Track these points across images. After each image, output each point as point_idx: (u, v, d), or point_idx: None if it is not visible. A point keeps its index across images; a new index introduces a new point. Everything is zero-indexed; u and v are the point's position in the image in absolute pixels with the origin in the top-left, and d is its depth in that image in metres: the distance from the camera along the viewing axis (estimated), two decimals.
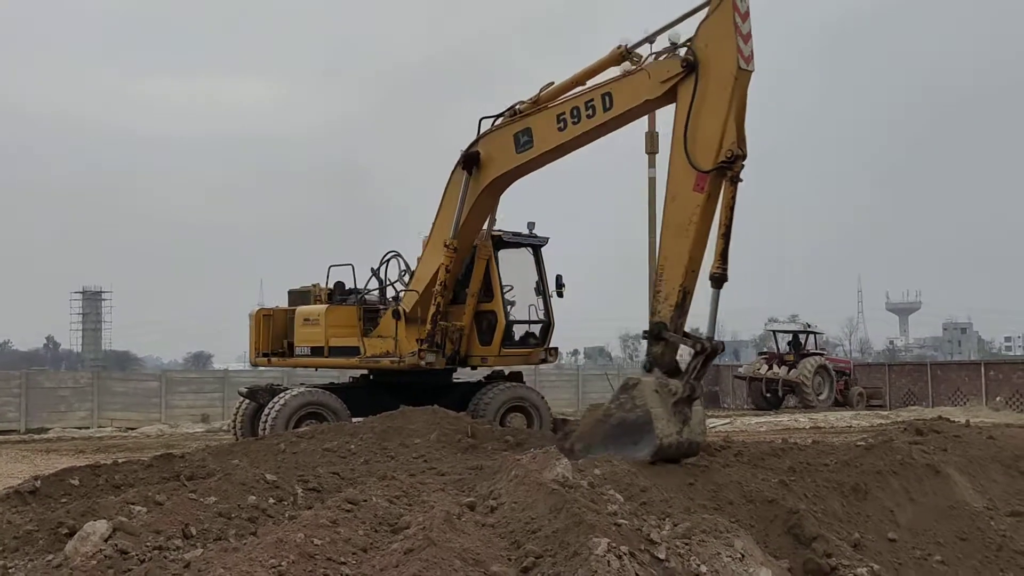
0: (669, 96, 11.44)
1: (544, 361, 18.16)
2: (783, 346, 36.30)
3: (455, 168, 15.40)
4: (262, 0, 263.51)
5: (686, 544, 5.53)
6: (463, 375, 18.39)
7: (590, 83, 13.59)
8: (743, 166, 9.77)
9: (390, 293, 17.50)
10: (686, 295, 9.78)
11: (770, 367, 35.05)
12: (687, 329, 9.82)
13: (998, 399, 29.64)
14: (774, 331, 37.65)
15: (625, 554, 4.63)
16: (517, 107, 14.64)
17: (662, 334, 9.61)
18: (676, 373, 9.37)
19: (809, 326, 36.66)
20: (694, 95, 10.46)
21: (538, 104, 14.28)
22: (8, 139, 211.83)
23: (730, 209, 9.64)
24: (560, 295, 17.87)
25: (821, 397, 33.18)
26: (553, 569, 4.68)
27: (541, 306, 17.71)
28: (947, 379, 33.19)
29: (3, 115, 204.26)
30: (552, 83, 14.23)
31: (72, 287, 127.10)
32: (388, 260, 17.33)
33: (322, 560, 4.95)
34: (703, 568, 5.33)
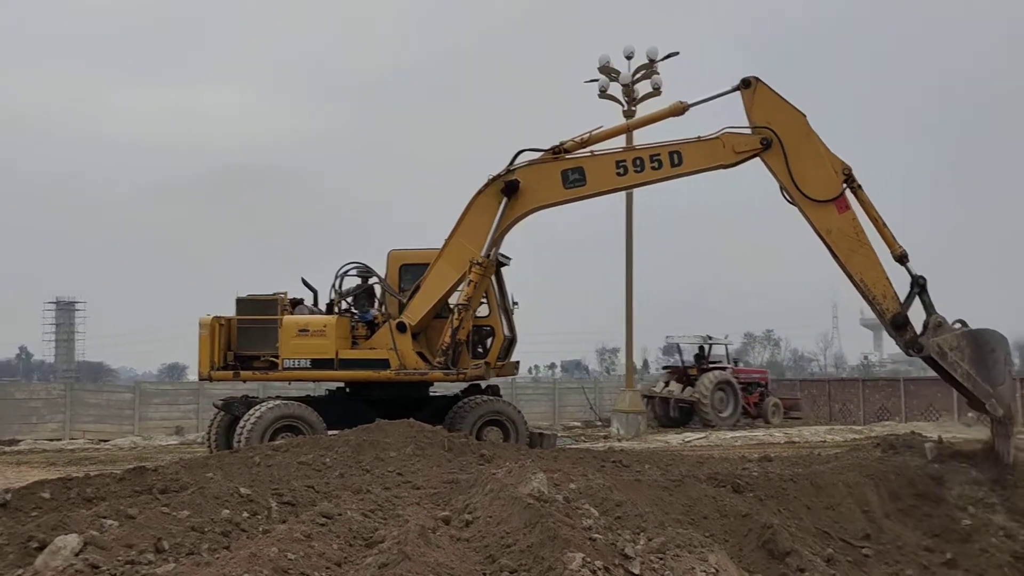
0: (736, 163, 14.09)
1: (510, 374, 19.22)
2: (690, 360, 33.56)
3: (483, 190, 16.12)
4: (221, 11, 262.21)
5: (660, 559, 5.55)
6: (439, 388, 18.36)
7: (639, 133, 15.98)
8: (851, 170, 12.96)
9: (343, 306, 17.52)
10: (890, 283, 12.35)
11: (667, 384, 32.45)
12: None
13: (970, 415, 29.84)
14: (677, 344, 34.55)
15: (599, 569, 4.64)
16: (562, 145, 15.81)
17: (903, 321, 12.05)
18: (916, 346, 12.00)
19: (711, 338, 33.86)
20: (785, 155, 13.47)
21: (585, 144, 15.64)
22: None
23: (871, 205, 12.81)
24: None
25: (723, 415, 30.36)
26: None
27: (505, 322, 17.81)
28: (920, 395, 33.41)
29: None
30: (601, 127, 15.70)
31: (45, 297, 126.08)
32: (344, 274, 17.34)
33: (296, 574, 4.92)
34: None
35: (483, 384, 17.91)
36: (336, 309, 17.38)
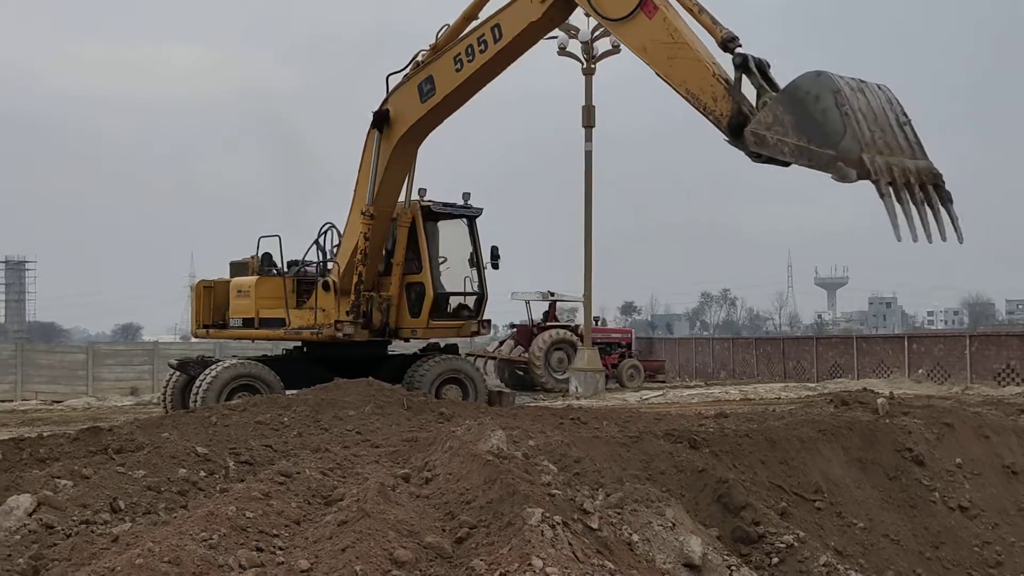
0: (551, 17, 12.48)
1: (476, 334, 18.12)
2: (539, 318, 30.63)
3: (369, 131, 15.23)
4: None
5: (618, 514, 5.61)
6: (398, 347, 18.34)
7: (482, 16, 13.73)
8: None
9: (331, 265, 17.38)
10: (720, 80, 9.87)
11: (500, 344, 30.40)
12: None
13: (920, 371, 30.50)
14: (527, 302, 30.97)
15: (559, 524, 4.67)
16: (419, 58, 14.50)
17: (738, 123, 9.44)
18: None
19: (553, 294, 30.69)
20: None
21: (437, 50, 14.21)
22: None
23: None
24: (495, 267, 17.81)
25: (560, 376, 27.73)
26: (487, 539, 4.71)
27: (475, 278, 17.67)
28: (872, 352, 34.00)
29: None
30: (447, 25, 14.21)
31: None
32: (325, 232, 17.18)
33: (254, 533, 4.90)
34: (635, 537, 5.42)
35: (441, 343, 17.91)
36: (298, 269, 17.38)
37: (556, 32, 27.66)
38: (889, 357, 32.71)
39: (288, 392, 14.22)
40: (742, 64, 9.34)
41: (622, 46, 26.85)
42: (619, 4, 10.85)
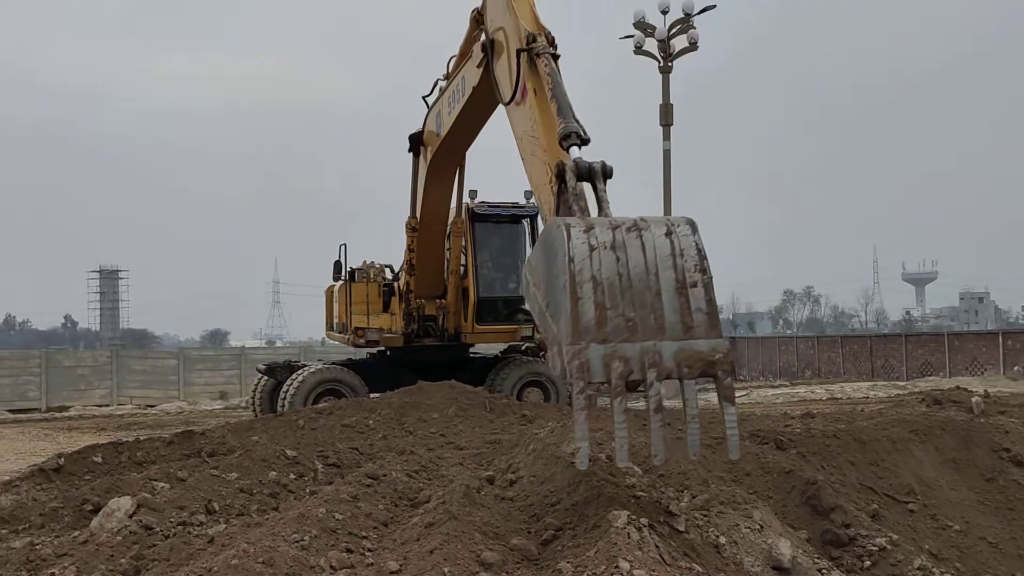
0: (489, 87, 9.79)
1: (528, 339, 17.19)
2: None
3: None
4: None
5: (704, 516, 5.56)
6: (480, 350, 18.47)
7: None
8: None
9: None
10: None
11: None
12: None
13: (1016, 368, 29.49)
14: None
15: (645, 526, 4.65)
16: (440, 83, 13.61)
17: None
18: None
19: None
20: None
21: (448, 78, 13.08)
22: (23, 112, 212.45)
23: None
24: None
25: None
26: (573, 541, 4.71)
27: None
28: (964, 349, 33.00)
29: (18, 86, 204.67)
30: (455, 55, 12.69)
31: (89, 266, 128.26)
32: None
33: (344, 534, 5.00)
34: (722, 539, 5.36)
35: (523, 346, 17.93)
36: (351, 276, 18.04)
37: (633, 32, 27.58)
38: (983, 354, 31.72)
39: (372, 395, 14.44)
40: (559, 175, 6.73)
41: (697, 44, 26.83)
42: (507, 87, 8.89)
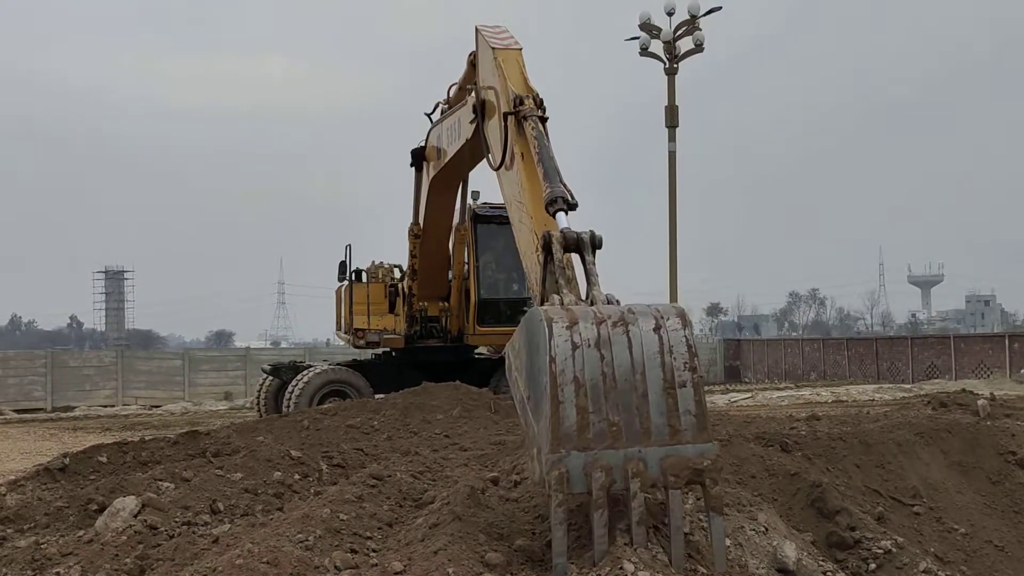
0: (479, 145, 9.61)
1: None
2: None
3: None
4: None
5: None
6: (485, 351, 18.51)
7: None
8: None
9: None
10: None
11: None
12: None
13: (1022, 371, 29.40)
14: None
15: (650, 528, 4.65)
16: (442, 104, 13.44)
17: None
18: None
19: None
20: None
21: (448, 104, 12.91)
22: (28, 112, 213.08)
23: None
24: None
25: None
26: (578, 543, 4.71)
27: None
28: (971, 352, 32.92)
29: (20, 86, 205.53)
30: (455, 83, 12.28)
31: (94, 267, 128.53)
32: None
33: (348, 535, 5.00)
34: (727, 541, 5.34)
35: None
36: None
37: (638, 33, 27.58)
38: (989, 357, 31.64)
39: (377, 396, 14.44)
40: (545, 246, 6.29)
41: (703, 46, 26.82)
42: (496, 151, 8.54)
